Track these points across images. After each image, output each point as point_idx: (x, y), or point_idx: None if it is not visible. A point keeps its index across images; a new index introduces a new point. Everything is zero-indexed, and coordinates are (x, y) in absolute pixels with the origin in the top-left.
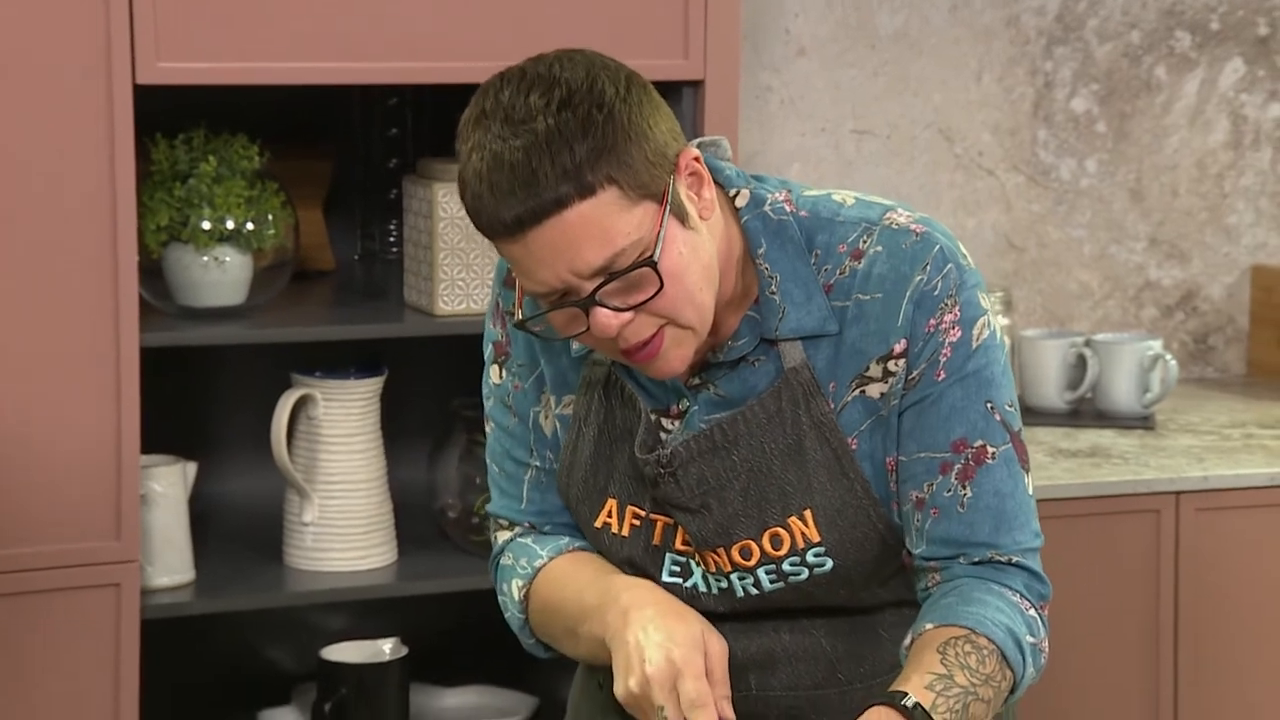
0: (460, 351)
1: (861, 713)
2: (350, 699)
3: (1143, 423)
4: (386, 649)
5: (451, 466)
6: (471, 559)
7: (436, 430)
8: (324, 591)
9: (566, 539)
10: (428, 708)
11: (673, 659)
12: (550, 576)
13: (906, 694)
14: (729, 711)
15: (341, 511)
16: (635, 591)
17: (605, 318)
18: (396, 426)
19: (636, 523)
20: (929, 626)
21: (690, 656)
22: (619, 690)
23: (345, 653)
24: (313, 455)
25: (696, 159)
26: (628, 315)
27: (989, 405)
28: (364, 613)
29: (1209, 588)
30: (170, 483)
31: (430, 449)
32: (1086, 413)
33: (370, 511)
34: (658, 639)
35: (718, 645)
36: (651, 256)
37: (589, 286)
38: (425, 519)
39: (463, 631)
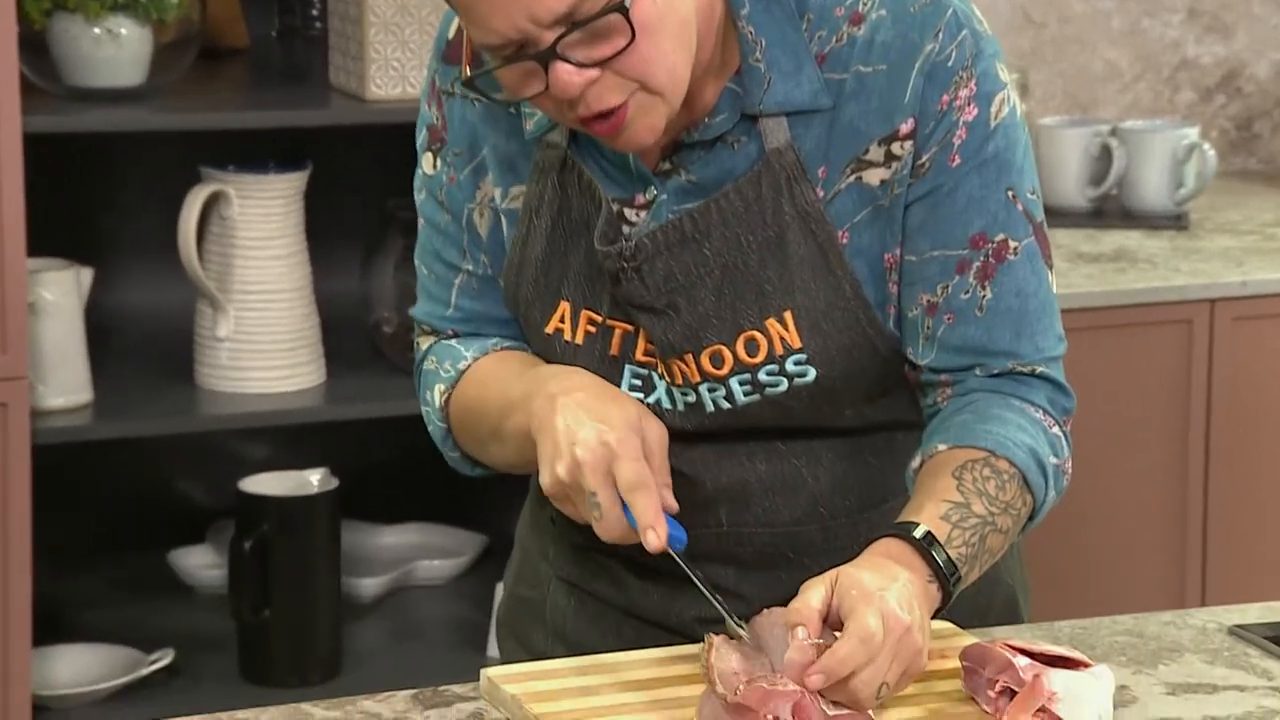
0: (395, 143)
1: (865, 545)
2: (273, 537)
3: (1175, 222)
4: (314, 481)
5: (386, 275)
6: (409, 380)
7: (369, 234)
8: (242, 415)
9: (495, 339)
10: (362, 547)
11: (607, 442)
12: (474, 377)
13: (918, 524)
14: (670, 500)
15: (261, 325)
16: (564, 378)
17: (567, 74)
18: (323, 229)
19: (592, 329)
20: (942, 447)
21: (626, 438)
22: (545, 480)
23: (267, 485)
24: (227, 261)
25: None
26: (592, 73)
27: (1010, 193)
28: (288, 440)
29: (1244, 405)
30: (63, 290)
31: (362, 256)
32: (1112, 211)
33: (293, 325)
34: (589, 422)
35: (656, 429)
36: (622, 2)
37: (549, 37)
38: (357, 335)
39: (401, 462)
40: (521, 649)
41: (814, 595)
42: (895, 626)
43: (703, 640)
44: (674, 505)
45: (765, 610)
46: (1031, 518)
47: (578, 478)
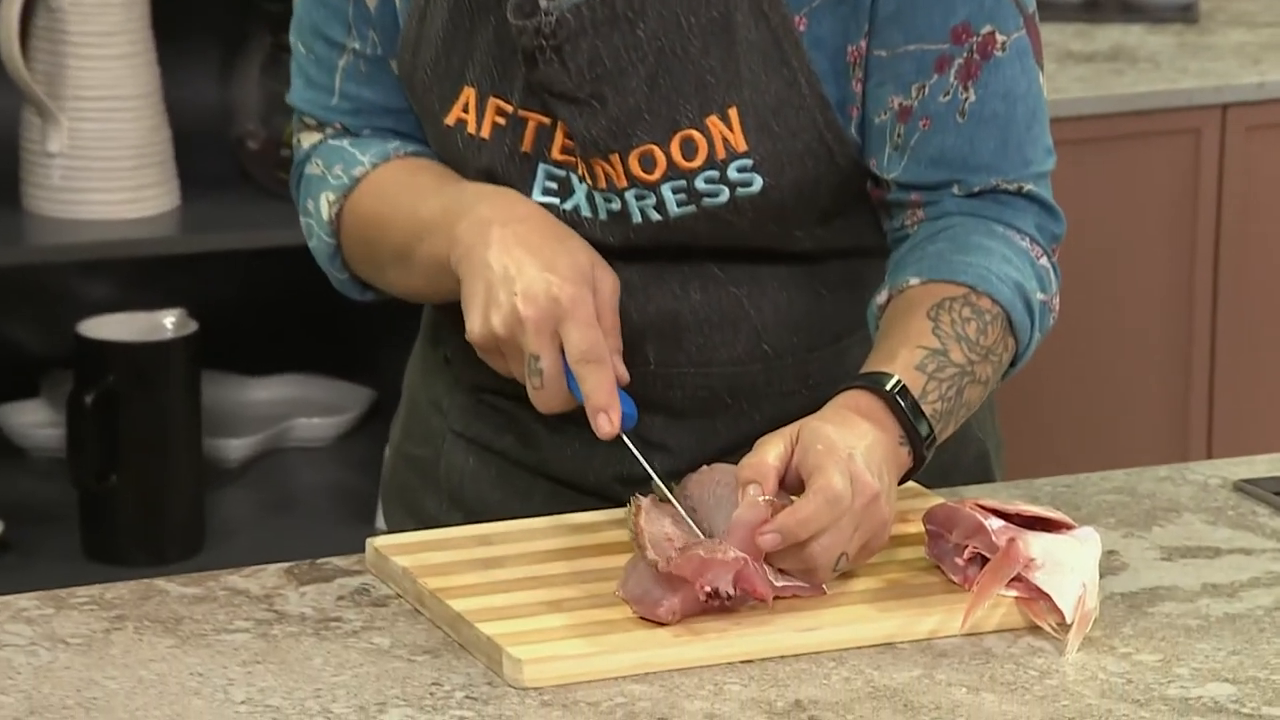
0: None
1: (815, 389)
2: (119, 390)
3: (1182, 14)
4: (167, 324)
5: (251, 81)
6: (281, 204)
7: (229, 31)
8: (79, 246)
9: (396, 142)
10: (227, 402)
11: (556, 297)
12: (374, 187)
13: (890, 375)
14: (622, 369)
15: (101, 139)
16: (498, 201)
17: None
18: (174, 26)
19: (501, 121)
20: (914, 281)
21: (579, 296)
22: (475, 328)
23: (111, 328)
24: (58, 62)
25: None
26: None
27: None
28: (135, 277)
29: (1258, 226)
30: None
31: (221, 56)
32: (1108, 3)
33: (140, 139)
34: (534, 269)
35: (610, 282)
36: None
37: None
38: (217, 152)
39: (272, 302)
40: (411, 518)
41: (771, 451)
42: (863, 490)
43: (627, 504)
44: (625, 376)
45: (705, 468)
46: (1014, 364)
47: (516, 335)
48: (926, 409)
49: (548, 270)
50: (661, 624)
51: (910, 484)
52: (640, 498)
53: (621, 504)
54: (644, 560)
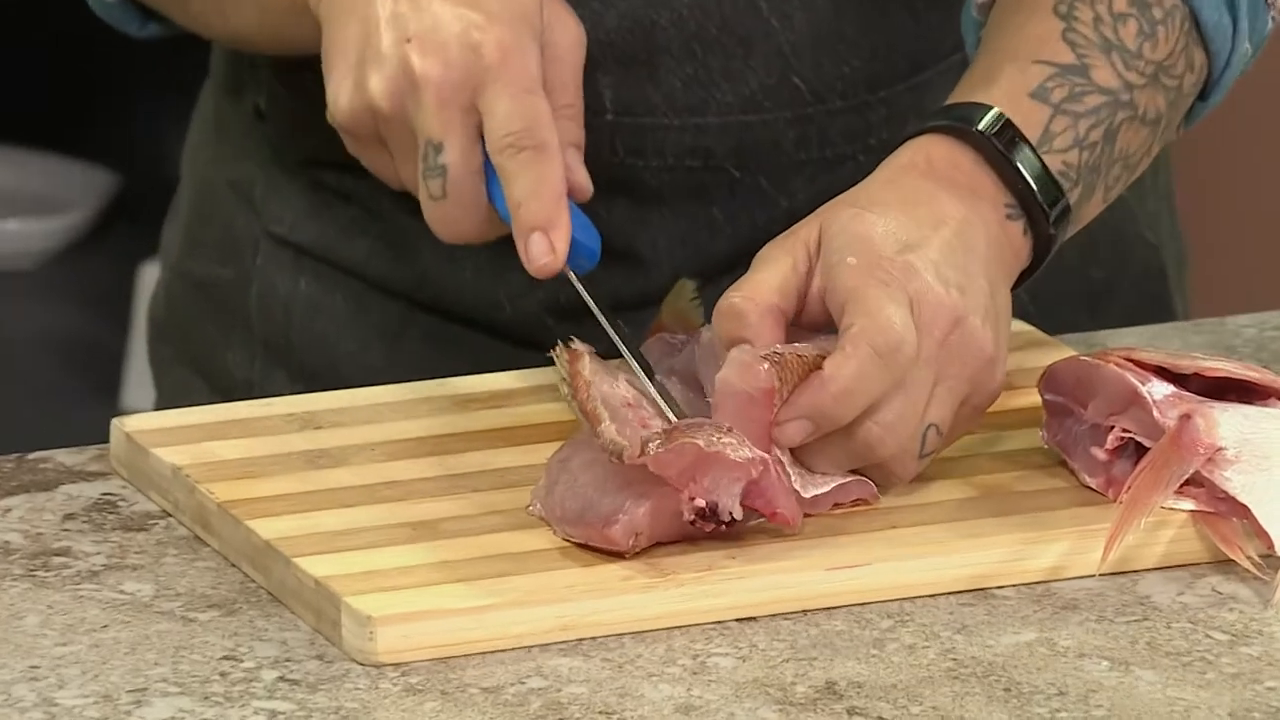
0: None
1: (878, 153)
2: None
3: None
4: None
5: None
6: None
7: None
8: None
9: None
10: None
11: (474, 44)
12: None
13: (985, 106)
14: (581, 175)
15: None
16: None
17: None
18: None
19: None
20: None
21: (513, 43)
22: (341, 99)
23: None
24: None
25: None
26: None
27: None
28: None
29: None
30: None
31: None
32: None
33: None
34: (442, 1)
35: (571, 30)
36: None
37: None
38: None
39: None
40: (196, 381)
41: (772, 269)
42: (941, 317)
43: (554, 350)
44: (586, 185)
45: (681, 281)
46: (1204, 96)
47: (406, 108)
48: (1054, 160)
49: (467, 6)
50: (613, 554)
51: (1022, 325)
52: (577, 344)
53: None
54: (588, 444)
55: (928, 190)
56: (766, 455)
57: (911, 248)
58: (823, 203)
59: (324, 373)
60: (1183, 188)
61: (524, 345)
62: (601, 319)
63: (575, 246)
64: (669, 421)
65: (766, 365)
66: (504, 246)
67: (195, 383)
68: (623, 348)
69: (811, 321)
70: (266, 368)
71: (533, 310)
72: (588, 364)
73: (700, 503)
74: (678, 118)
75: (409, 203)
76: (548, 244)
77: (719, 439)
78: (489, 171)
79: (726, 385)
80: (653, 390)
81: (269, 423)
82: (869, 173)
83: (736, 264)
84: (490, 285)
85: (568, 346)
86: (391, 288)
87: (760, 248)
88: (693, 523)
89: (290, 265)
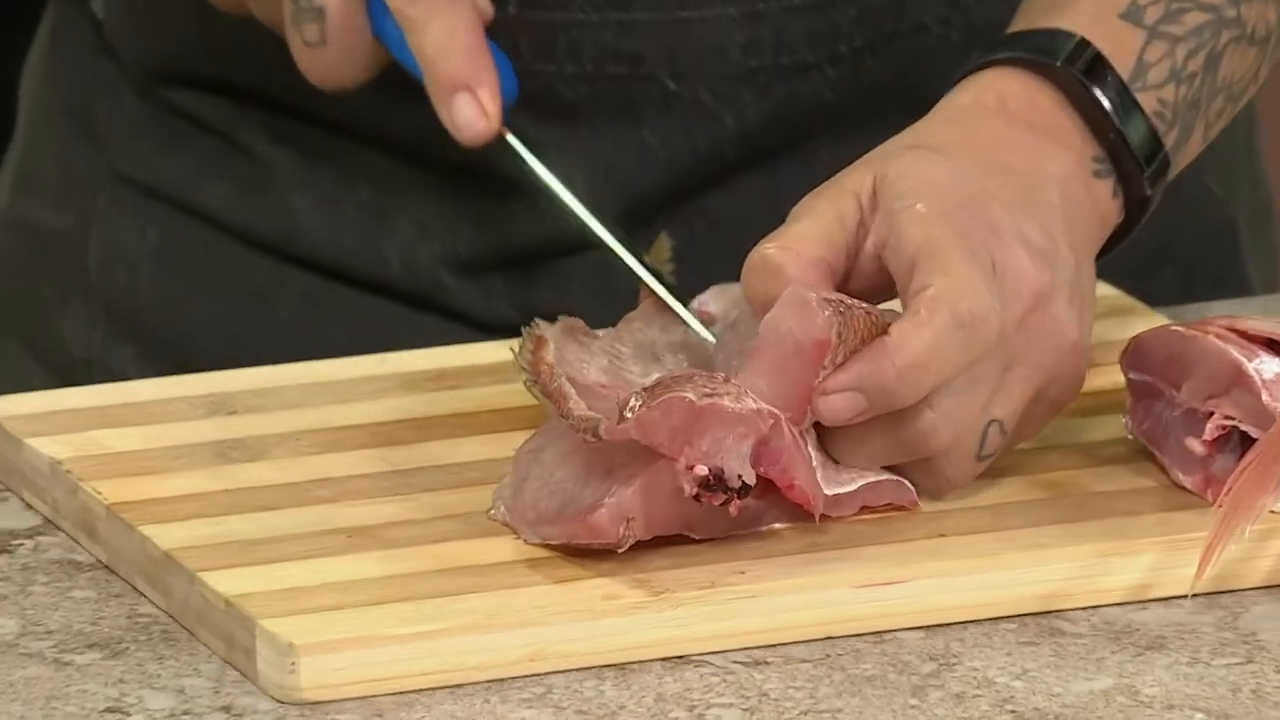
0: None
1: (958, 78)
2: None
3: None
4: None
5: None
6: None
7: None
8: None
9: None
10: None
11: None
12: None
13: (1066, 34)
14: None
15: None
16: None
17: None
18: None
19: None
20: None
21: None
22: None
23: None
24: None
25: None
26: None
27: None
28: None
29: None
30: None
31: None
32: None
33: None
34: None
35: None
36: None
37: None
38: None
39: None
40: (29, 354)
41: (817, 216)
42: (1023, 290)
43: (522, 335)
44: (488, 4)
45: (661, 235)
46: None
47: None
48: (1146, 99)
49: None
50: (599, 556)
51: (1105, 288)
52: (543, 324)
53: (496, 326)
54: (564, 433)
55: (1003, 134)
56: (777, 410)
57: (991, 201)
58: (779, 123)
59: (177, 343)
60: (1271, 130)
61: (420, 307)
62: (566, 197)
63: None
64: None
65: (828, 311)
66: (388, 188)
67: (24, 360)
68: (601, 231)
69: (861, 289)
70: (110, 339)
71: (425, 265)
72: (551, 350)
73: (702, 469)
74: (597, 12)
75: (279, 135)
76: (477, 105)
77: (714, 388)
78: (374, 8)
79: (772, 329)
80: (676, 306)
81: (171, 407)
82: (836, 88)
83: (671, 201)
84: (373, 236)
85: (529, 331)
86: (258, 239)
87: (701, 178)
88: (697, 497)
89: (137, 211)
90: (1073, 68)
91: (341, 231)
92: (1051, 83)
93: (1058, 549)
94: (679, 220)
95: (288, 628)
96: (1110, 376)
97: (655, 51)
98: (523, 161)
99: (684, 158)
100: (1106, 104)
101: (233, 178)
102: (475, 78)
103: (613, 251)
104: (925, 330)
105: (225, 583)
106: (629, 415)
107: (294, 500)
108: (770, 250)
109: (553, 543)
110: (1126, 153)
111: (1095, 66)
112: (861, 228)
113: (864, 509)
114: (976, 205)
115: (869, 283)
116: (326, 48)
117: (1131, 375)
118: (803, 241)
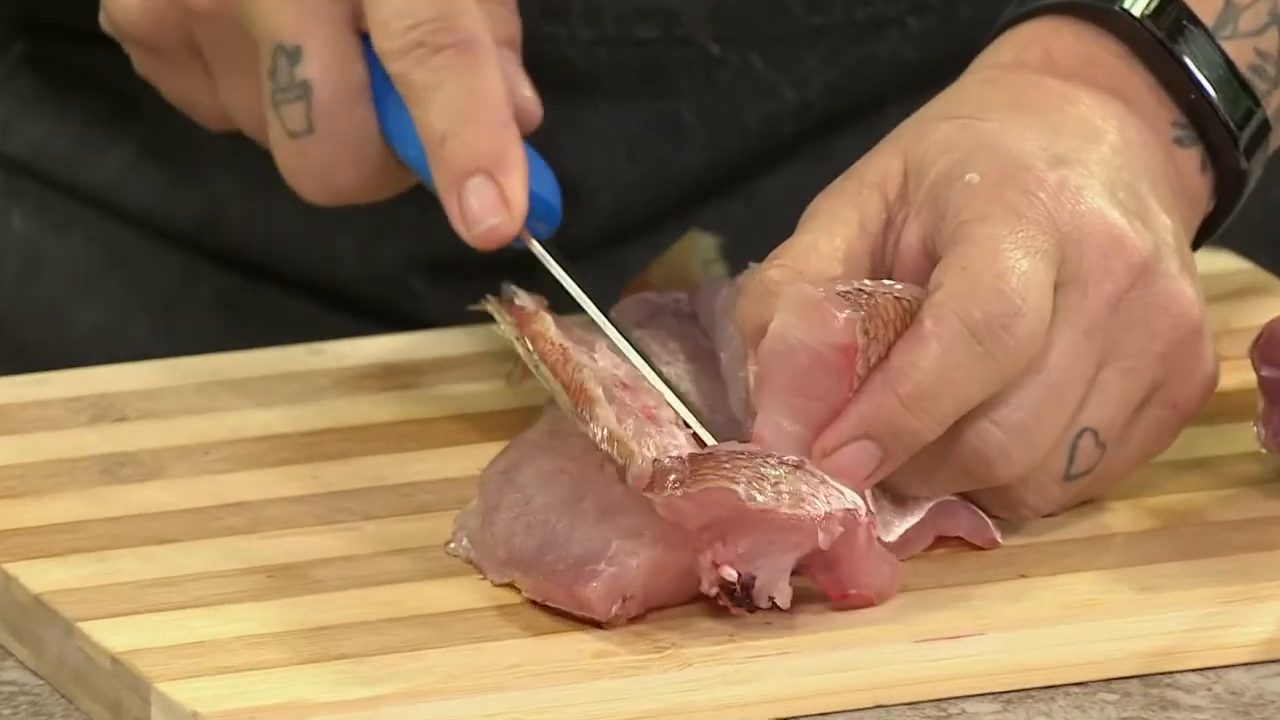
0: None
1: (992, 34)
2: None
3: None
4: None
5: None
6: None
7: None
8: None
9: None
10: None
11: None
12: None
13: None
14: (528, 91)
15: None
16: None
17: None
18: None
19: None
20: None
21: None
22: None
23: None
24: None
25: None
26: None
27: None
28: None
29: None
30: None
31: None
32: None
33: None
34: None
35: None
36: None
37: None
38: None
39: None
40: None
41: (832, 224)
42: (1116, 259)
43: (488, 299)
44: (536, 107)
45: (691, 232)
46: None
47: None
48: (1239, 51)
49: None
50: (585, 621)
51: (1220, 257)
52: (516, 289)
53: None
54: (545, 447)
55: (1057, 90)
56: (856, 505)
57: (1058, 163)
58: (846, 93)
59: (55, 356)
60: None
61: (380, 319)
62: (593, 312)
63: (540, 208)
64: (693, 441)
65: (847, 310)
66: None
67: None
68: (620, 340)
69: (903, 266)
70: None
71: (390, 266)
72: (550, 324)
73: (730, 574)
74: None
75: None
76: (495, 194)
77: (773, 485)
78: (378, 90)
79: (779, 341)
80: (670, 397)
81: (44, 411)
82: (921, 45)
83: (713, 194)
84: (322, 227)
85: (506, 299)
86: (165, 227)
87: (749, 160)
88: (715, 597)
89: (3, 191)
90: (1138, 13)
91: (278, 220)
92: (1112, 34)
93: (1170, 594)
94: (716, 212)
95: (190, 693)
96: (1239, 374)
97: (694, 9)
98: (550, 270)
99: (728, 137)
100: (1185, 57)
101: (131, 148)
102: (495, 159)
103: (628, 345)
104: (930, 346)
105: (112, 636)
106: (664, 490)
107: (197, 530)
108: (771, 273)
109: (526, 594)
110: (1213, 118)
111: (1170, 11)
112: (890, 228)
113: (937, 542)
114: (1043, 168)
115: (909, 265)
116: (313, 137)
117: (1264, 372)
118: (812, 258)
